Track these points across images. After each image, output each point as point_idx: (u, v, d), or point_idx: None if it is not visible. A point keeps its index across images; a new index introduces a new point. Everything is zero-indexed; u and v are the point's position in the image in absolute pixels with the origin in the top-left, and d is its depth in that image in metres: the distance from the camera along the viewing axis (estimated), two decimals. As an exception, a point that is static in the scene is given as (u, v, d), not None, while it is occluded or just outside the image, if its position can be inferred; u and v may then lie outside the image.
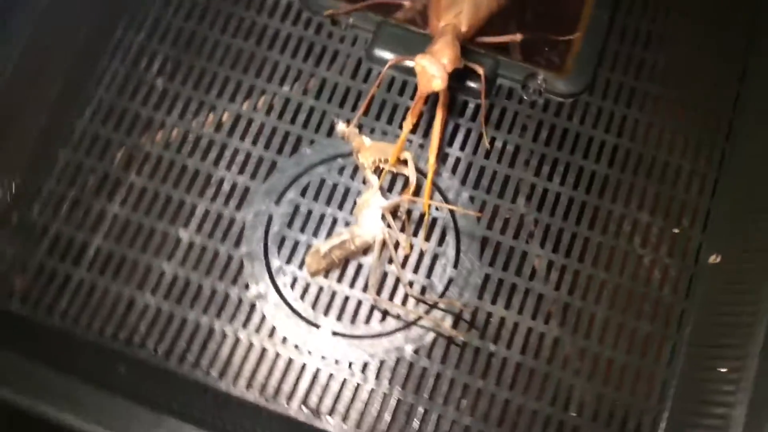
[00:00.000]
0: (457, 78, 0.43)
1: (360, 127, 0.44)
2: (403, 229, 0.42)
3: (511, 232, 0.42)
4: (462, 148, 0.44)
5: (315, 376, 0.40)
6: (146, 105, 0.45)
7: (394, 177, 0.43)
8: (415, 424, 0.39)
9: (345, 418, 0.39)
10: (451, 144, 0.44)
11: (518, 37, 0.44)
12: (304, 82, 0.45)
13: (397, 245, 0.41)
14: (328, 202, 0.43)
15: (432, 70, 0.37)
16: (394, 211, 0.42)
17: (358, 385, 0.40)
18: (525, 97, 0.45)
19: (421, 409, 0.39)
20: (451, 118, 0.44)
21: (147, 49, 0.46)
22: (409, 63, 0.43)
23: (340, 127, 0.43)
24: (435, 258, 0.42)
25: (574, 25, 0.47)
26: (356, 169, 0.43)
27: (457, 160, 0.44)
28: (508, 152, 0.44)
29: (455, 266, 0.42)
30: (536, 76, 0.45)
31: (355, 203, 0.42)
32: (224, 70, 0.45)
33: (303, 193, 0.43)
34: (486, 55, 0.44)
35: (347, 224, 0.42)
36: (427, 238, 0.42)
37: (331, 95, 0.45)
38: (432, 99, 0.43)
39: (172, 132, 0.44)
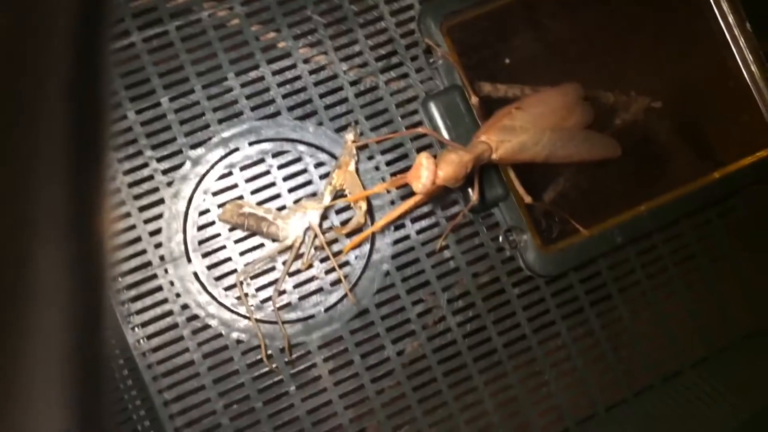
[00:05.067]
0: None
1: (363, 147, 0.42)
2: (316, 249, 0.40)
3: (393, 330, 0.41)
4: (418, 233, 0.42)
5: (161, 302, 0.40)
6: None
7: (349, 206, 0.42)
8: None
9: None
10: (414, 222, 0.42)
11: (527, 199, 0.41)
12: (361, 74, 0.43)
13: (299, 257, 0.40)
14: (287, 179, 0.41)
15: (423, 173, 0.35)
16: (321, 232, 0.40)
17: (179, 328, 0.40)
18: (500, 240, 0.43)
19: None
20: (435, 204, 0.42)
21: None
22: (436, 138, 0.41)
23: (349, 135, 0.41)
24: (319, 291, 0.41)
25: (591, 222, 0.44)
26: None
27: (404, 238, 0.42)
28: (446, 266, 0.42)
29: (326, 311, 0.41)
30: (522, 233, 0.42)
31: (300, 199, 0.41)
32: (313, 9, 0.42)
33: (276, 155, 0.41)
34: (502, 183, 0.42)
35: (282, 208, 0.41)
36: (328, 272, 0.41)
37: (369, 102, 0.42)
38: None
39: (232, 20, 0.42)
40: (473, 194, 0.39)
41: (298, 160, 0.41)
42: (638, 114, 0.48)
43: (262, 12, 0.42)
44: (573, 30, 0.47)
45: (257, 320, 0.39)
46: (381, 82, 0.42)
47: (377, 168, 0.42)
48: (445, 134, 0.41)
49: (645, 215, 0.43)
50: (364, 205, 0.39)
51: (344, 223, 0.41)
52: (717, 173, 0.45)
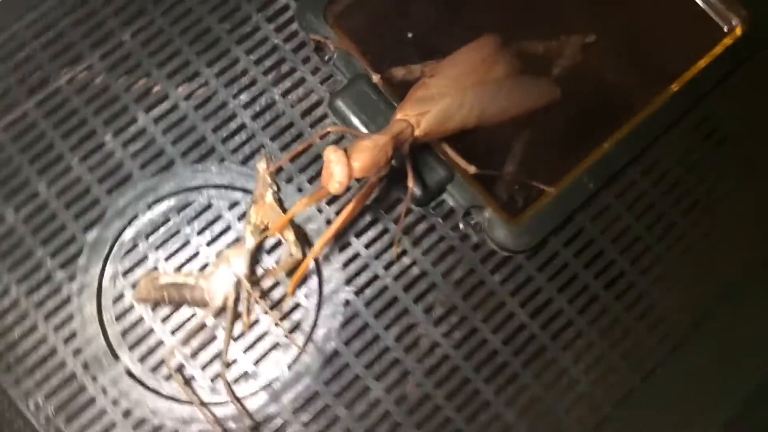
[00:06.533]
0: (399, 172, 0.35)
1: (279, 171, 0.36)
2: (261, 298, 0.34)
3: (374, 363, 0.35)
4: (367, 247, 0.36)
5: (99, 416, 0.33)
6: (87, 37, 0.37)
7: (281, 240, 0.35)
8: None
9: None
10: (359, 236, 0.36)
11: (471, 169, 0.35)
12: (253, 94, 0.37)
13: (238, 317, 0.34)
14: (202, 232, 0.35)
15: (334, 169, 0.29)
16: (255, 281, 0.34)
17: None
18: (461, 226, 0.36)
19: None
20: (376, 210, 0.36)
21: (120, -20, 0.38)
22: (352, 134, 0.36)
23: (260, 164, 0.35)
24: (275, 346, 0.34)
25: (555, 178, 0.38)
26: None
27: (354, 257, 0.36)
28: (410, 275, 0.36)
29: (289, 368, 0.34)
30: (482, 210, 0.36)
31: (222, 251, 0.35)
32: (181, 41, 0.37)
33: (182, 209, 0.35)
34: (442, 163, 0.36)
35: (205, 267, 0.35)
36: (278, 322, 0.34)
37: (270, 121, 0.37)
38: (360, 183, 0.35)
39: (95, 79, 0.37)
40: (410, 183, 0.33)
41: (207, 207, 0.35)
42: (576, 55, 0.43)
43: (125, 60, 0.36)
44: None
45: (212, 404, 0.33)
46: (277, 96, 0.37)
47: (300, 189, 0.36)
48: (363, 129, 0.35)
49: (612, 152, 0.38)
50: (291, 235, 0.33)
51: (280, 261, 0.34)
52: (674, 85, 0.40)
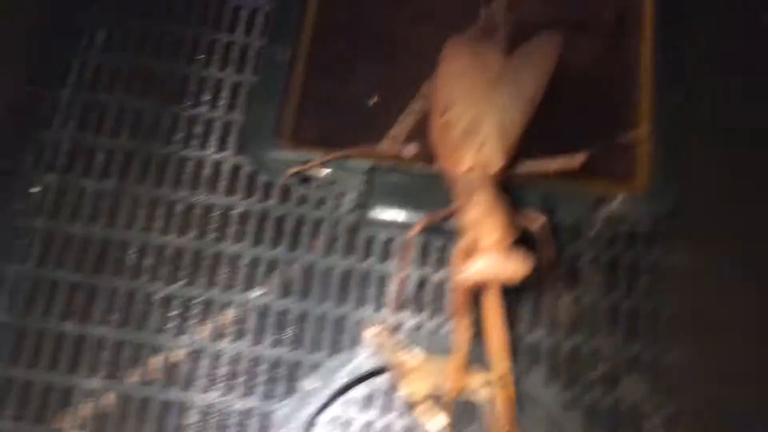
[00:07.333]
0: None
1: (397, 329, 0.27)
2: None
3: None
4: (530, 328, 0.27)
5: None
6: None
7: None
8: None
9: None
10: (514, 324, 0.28)
11: (576, 161, 0.28)
12: (283, 274, 0.28)
13: None
14: (363, 461, 0.26)
15: (496, 268, 0.22)
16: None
17: None
18: (604, 235, 0.29)
19: None
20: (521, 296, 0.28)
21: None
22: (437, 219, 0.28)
23: (368, 331, 0.27)
24: None
25: (631, 117, 0.31)
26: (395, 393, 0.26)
27: (535, 346, 0.27)
28: (620, 315, 0.28)
29: None
30: (611, 201, 0.29)
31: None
32: (162, 287, 0.28)
33: (320, 456, 0.26)
34: (529, 189, 0.29)
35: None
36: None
37: (325, 288, 0.28)
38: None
39: (106, 396, 0.27)
40: (534, 223, 0.25)
41: (347, 426, 0.26)
42: (508, 16, 0.37)
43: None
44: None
45: None
46: (308, 260, 0.28)
47: (418, 327, 0.27)
48: (416, 218, 0.28)
49: (660, 50, 0.32)
50: (475, 378, 0.24)
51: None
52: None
